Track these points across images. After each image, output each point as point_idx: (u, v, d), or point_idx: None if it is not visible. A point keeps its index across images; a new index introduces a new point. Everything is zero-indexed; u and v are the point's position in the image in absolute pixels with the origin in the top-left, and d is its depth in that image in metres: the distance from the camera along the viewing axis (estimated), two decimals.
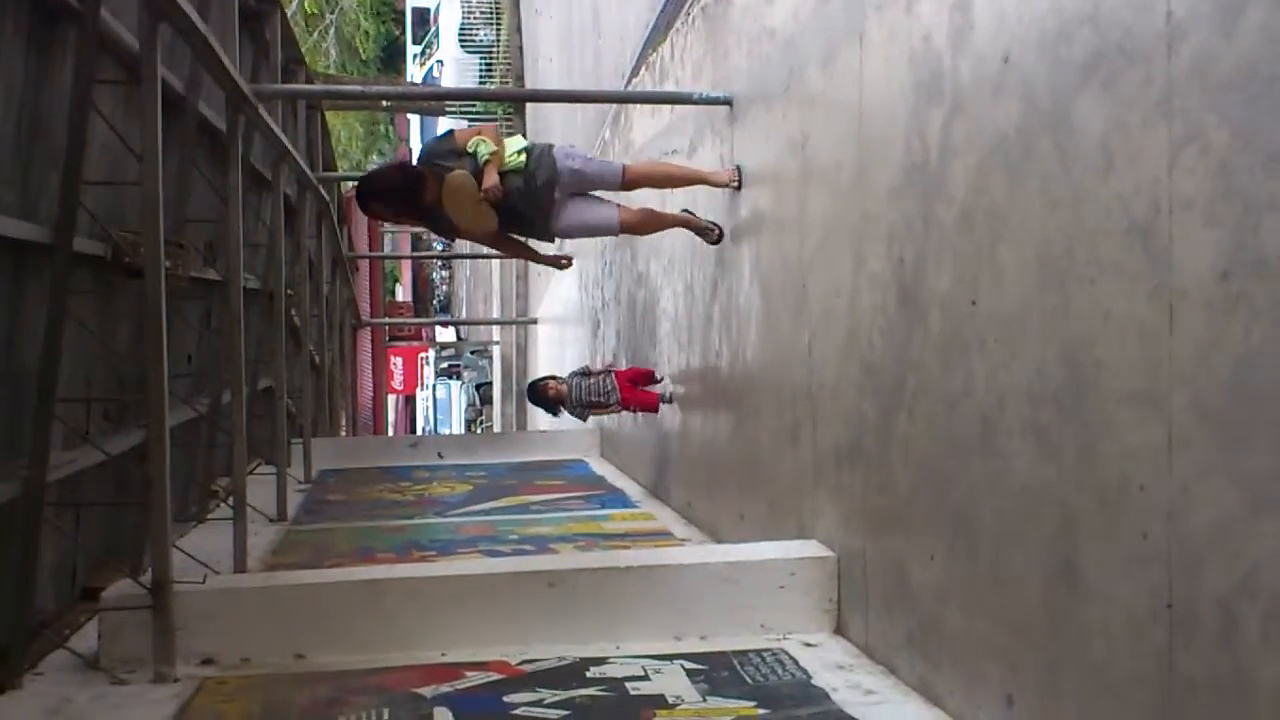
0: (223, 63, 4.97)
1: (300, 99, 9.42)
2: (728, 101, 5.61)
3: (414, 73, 30.61)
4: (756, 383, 5.21)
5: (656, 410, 7.26)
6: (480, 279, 34.11)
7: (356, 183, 5.75)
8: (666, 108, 6.93)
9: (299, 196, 8.99)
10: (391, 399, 28.92)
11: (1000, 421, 2.99)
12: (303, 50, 10.41)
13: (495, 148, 5.32)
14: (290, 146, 7.35)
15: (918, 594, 3.52)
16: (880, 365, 3.77)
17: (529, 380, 8.39)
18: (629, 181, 5.62)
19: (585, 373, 7.72)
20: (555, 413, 8.08)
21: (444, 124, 27.12)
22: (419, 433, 32.76)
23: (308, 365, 9.99)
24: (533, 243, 6.07)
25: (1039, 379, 2.80)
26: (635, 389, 7.39)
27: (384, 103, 24.93)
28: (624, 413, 7.78)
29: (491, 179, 5.26)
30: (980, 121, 3.10)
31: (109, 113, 4.65)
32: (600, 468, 9.49)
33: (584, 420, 8.06)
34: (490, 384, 32.08)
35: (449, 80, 26.24)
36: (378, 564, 5.55)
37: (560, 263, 6.46)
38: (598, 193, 5.74)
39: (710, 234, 5.73)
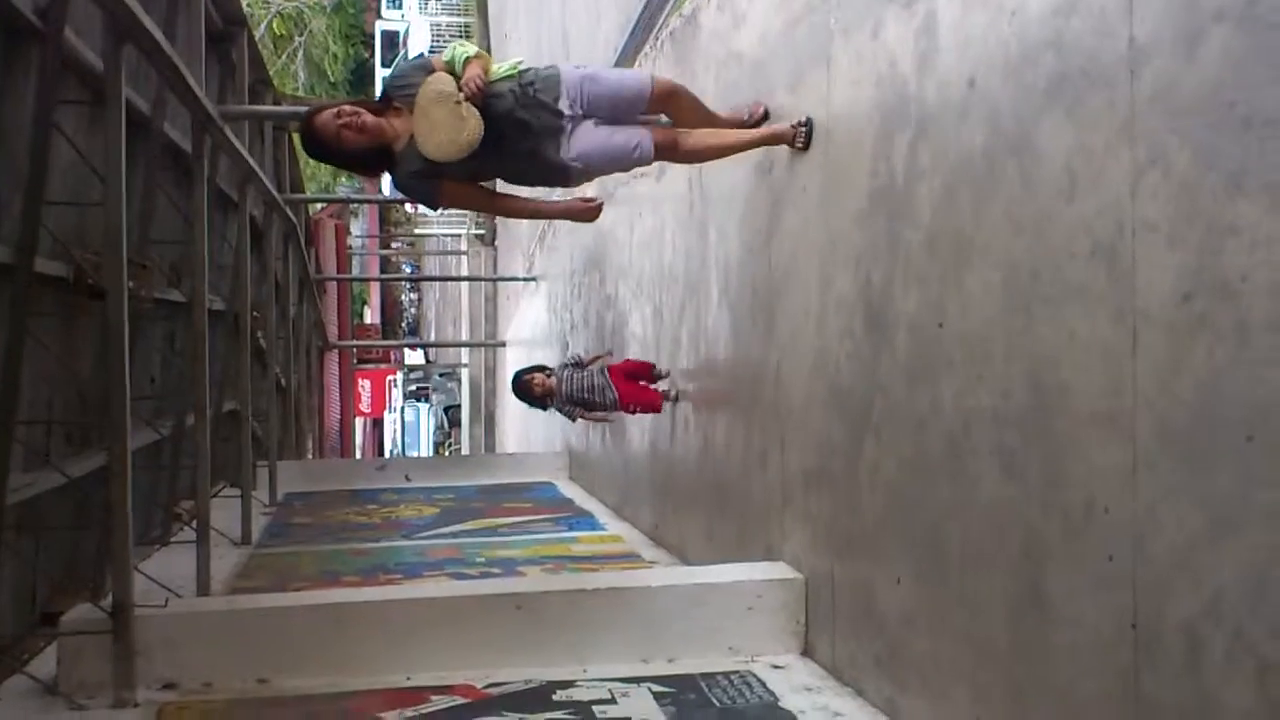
0: (188, 84, 4.95)
1: (267, 120, 9.38)
2: None
3: None
4: (725, 405, 5.21)
5: (659, 409, 6.28)
6: (449, 301, 34.08)
7: (302, 119, 4.34)
8: None
9: (265, 218, 8.94)
10: (359, 421, 28.79)
11: (966, 443, 2.99)
12: (271, 72, 10.38)
13: (480, 52, 4.17)
14: (257, 168, 7.32)
15: (885, 616, 3.52)
16: (848, 387, 3.77)
17: (514, 371, 7.13)
18: (658, 94, 4.28)
19: (577, 363, 6.76)
20: (544, 408, 7.05)
21: None
22: (387, 455, 32.61)
23: (274, 387, 9.92)
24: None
25: (1005, 401, 2.81)
26: (635, 385, 6.39)
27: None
28: (620, 413, 6.75)
29: (473, 70, 4.04)
30: (946, 145, 3.12)
31: (73, 133, 4.61)
32: (568, 490, 9.47)
33: (573, 420, 7.16)
34: (459, 406, 32.02)
35: None
36: (343, 587, 5.52)
37: (579, 206, 4.51)
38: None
39: (799, 136, 4.16)
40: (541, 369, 6.98)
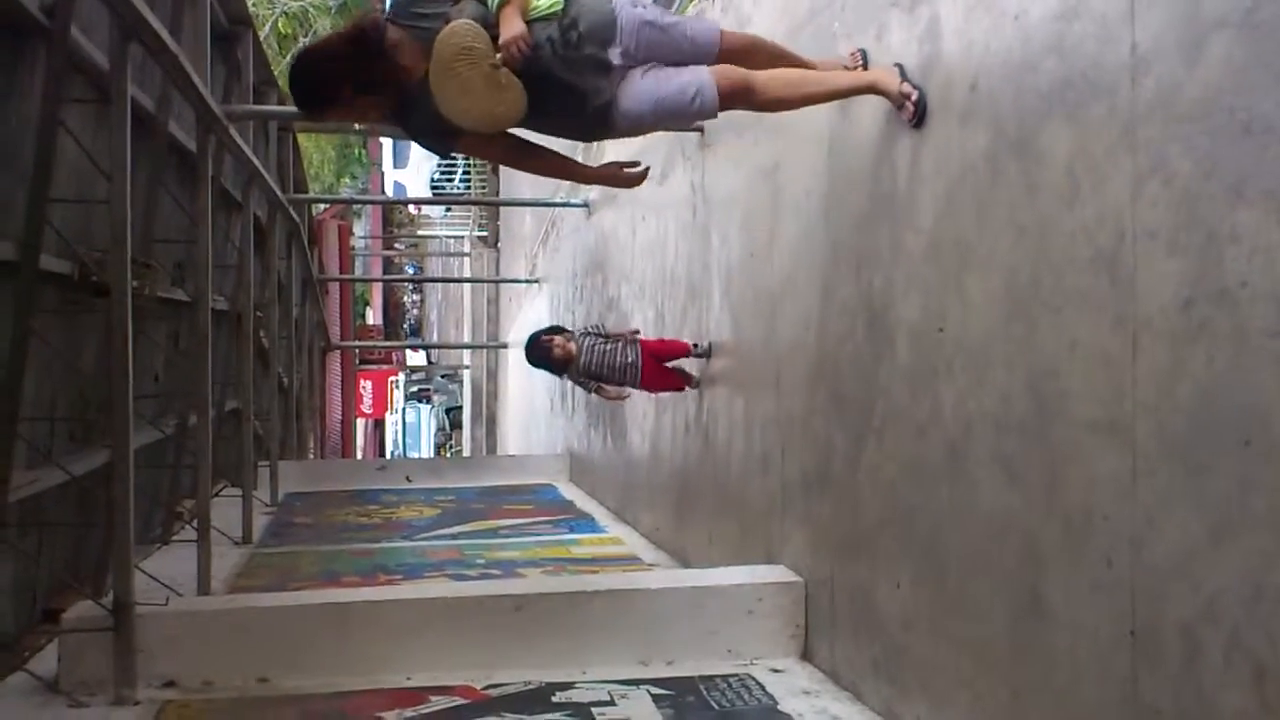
0: (193, 83, 4.95)
1: (272, 120, 9.39)
2: (699, 128, 5.63)
3: None
4: (726, 409, 5.22)
5: (683, 390, 5.77)
6: (452, 303, 34.09)
7: (292, 66, 3.53)
8: None
9: (269, 218, 8.95)
10: (360, 422, 28.81)
11: (967, 449, 3.00)
12: (276, 72, 10.39)
13: None
14: (261, 168, 7.33)
15: (884, 620, 3.52)
16: (849, 393, 3.78)
17: (530, 334, 6.14)
18: (726, 49, 3.51)
19: (601, 333, 5.92)
20: (560, 375, 6.16)
21: (417, 148, 27.18)
22: (388, 456, 32.60)
23: (276, 387, 9.93)
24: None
25: (1005, 406, 2.81)
26: (662, 368, 5.75)
27: (356, 126, 24.89)
28: (638, 392, 6.10)
29: (515, 26, 3.24)
30: (948, 150, 3.12)
31: (78, 131, 4.62)
32: (569, 492, 9.47)
33: (589, 392, 6.28)
34: (460, 408, 32.03)
35: None
36: (343, 588, 5.52)
37: (623, 174, 3.77)
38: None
39: (908, 102, 3.32)
40: (560, 331, 6.11)
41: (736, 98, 3.46)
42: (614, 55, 3.37)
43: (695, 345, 5.59)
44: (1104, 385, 2.43)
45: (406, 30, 3.32)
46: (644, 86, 3.41)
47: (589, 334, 5.89)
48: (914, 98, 3.28)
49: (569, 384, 9.56)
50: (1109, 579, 2.40)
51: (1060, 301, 2.59)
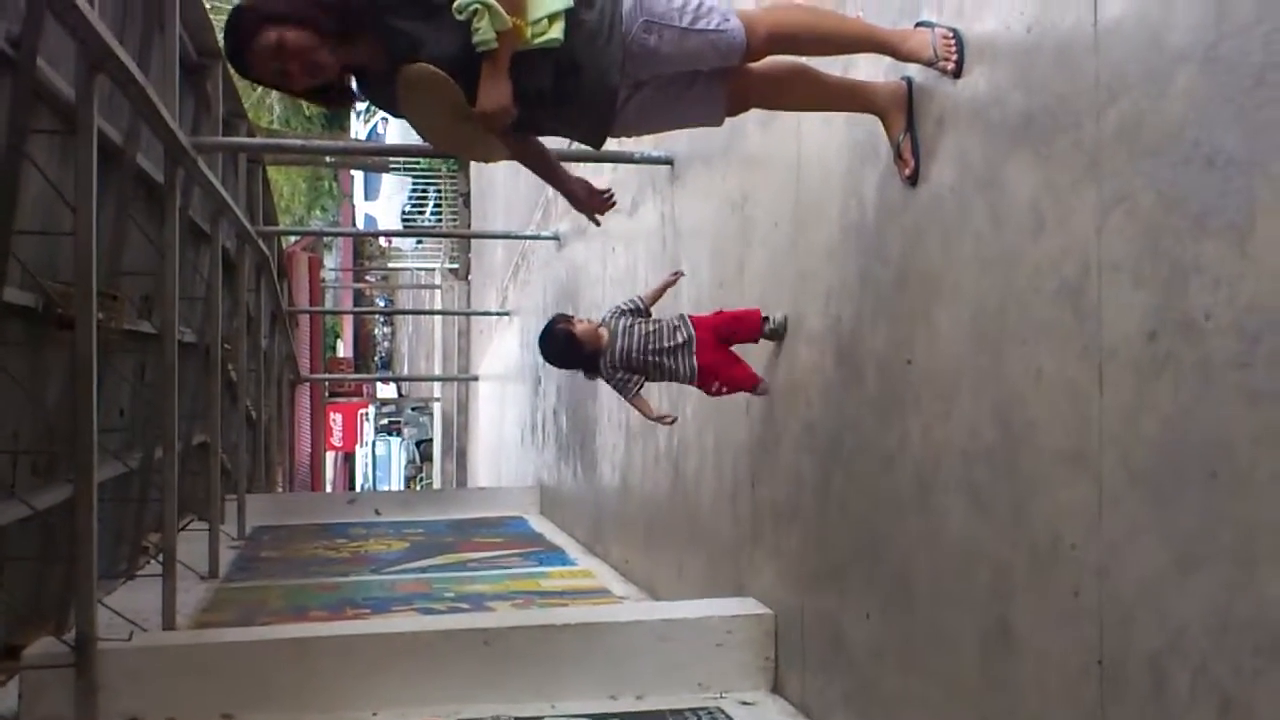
0: (161, 114, 4.94)
1: (241, 152, 9.37)
2: (669, 161, 5.65)
3: (358, 129, 30.66)
4: (695, 441, 5.21)
5: (754, 390, 4.19)
6: (422, 335, 34.00)
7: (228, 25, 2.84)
8: (608, 166, 6.96)
9: (238, 250, 8.92)
10: (330, 455, 28.63)
11: (935, 479, 3.00)
12: (246, 105, 10.38)
13: (509, 16, 2.70)
14: (230, 200, 7.30)
15: (854, 652, 3.51)
16: (818, 424, 3.78)
17: (545, 323, 4.36)
18: (757, 47, 3.00)
19: (638, 310, 4.23)
20: (590, 374, 4.27)
21: (388, 180, 27.18)
22: (357, 490, 32.39)
23: (244, 420, 9.86)
24: None
25: (972, 438, 2.82)
26: (726, 354, 4.13)
27: (327, 158, 24.89)
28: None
29: (499, 95, 2.77)
30: (915, 182, 3.14)
31: (44, 162, 4.59)
32: (539, 525, 9.44)
33: (629, 395, 4.16)
34: (430, 441, 31.88)
35: (393, 138, 26.33)
36: (310, 622, 5.47)
37: (593, 204, 3.47)
38: None
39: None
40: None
41: (749, 92, 3.23)
42: (620, 90, 2.97)
43: (767, 319, 4.18)
44: (1070, 416, 2.44)
45: (376, 19, 2.80)
46: (653, 103, 3.09)
47: (625, 312, 4.23)
48: (910, 168, 3.14)
49: (540, 414, 9.53)
50: (1076, 609, 2.40)
51: (1027, 333, 2.60)
